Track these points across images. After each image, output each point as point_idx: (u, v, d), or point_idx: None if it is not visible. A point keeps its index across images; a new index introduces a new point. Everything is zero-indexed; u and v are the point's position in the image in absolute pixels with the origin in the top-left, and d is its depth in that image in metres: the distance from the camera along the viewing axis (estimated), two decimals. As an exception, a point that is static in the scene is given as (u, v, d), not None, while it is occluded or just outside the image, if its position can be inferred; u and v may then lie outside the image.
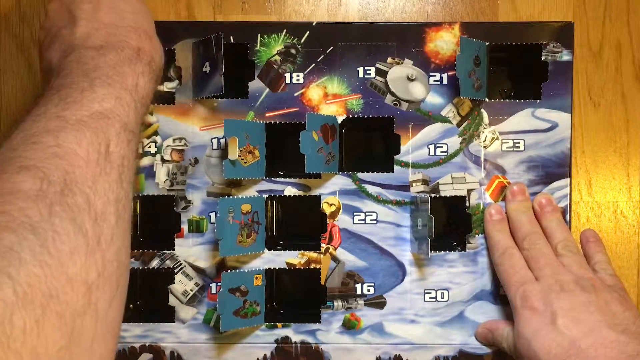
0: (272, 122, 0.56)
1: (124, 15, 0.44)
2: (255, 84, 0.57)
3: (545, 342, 0.48)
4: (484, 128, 0.57)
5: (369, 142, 0.59)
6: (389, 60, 0.57)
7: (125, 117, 0.39)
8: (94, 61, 0.40)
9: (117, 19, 0.44)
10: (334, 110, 0.57)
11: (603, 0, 0.60)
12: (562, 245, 0.53)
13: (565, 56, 0.56)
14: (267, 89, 0.57)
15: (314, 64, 0.57)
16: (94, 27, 0.43)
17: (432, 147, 0.57)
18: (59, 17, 0.45)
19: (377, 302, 0.57)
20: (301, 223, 0.58)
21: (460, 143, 0.57)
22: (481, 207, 0.57)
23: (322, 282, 0.57)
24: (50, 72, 0.43)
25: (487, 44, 0.56)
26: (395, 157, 0.57)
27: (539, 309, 0.49)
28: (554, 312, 0.48)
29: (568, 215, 0.57)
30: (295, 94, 0.57)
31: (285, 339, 0.57)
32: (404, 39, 0.57)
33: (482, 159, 0.57)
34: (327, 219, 0.57)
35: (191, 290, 0.57)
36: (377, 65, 0.57)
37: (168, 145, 0.57)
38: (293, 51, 0.57)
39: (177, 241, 0.57)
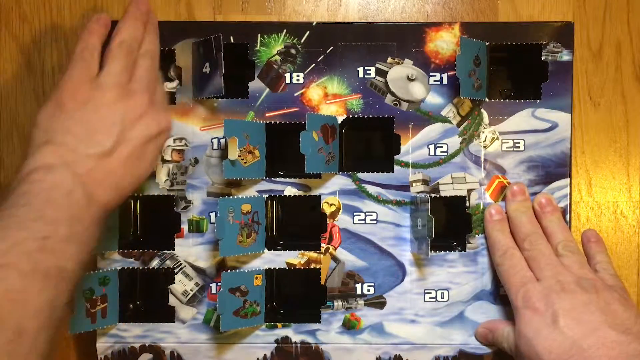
0: (272, 122, 0.56)
1: (127, 165, 0.46)
2: (255, 84, 0.57)
3: (546, 342, 0.48)
4: (484, 128, 0.57)
5: (369, 142, 0.59)
6: (389, 60, 0.57)
7: (76, 280, 0.41)
8: (80, 210, 0.42)
9: (122, 170, 0.45)
10: (334, 110, 0.57)
11: (603, 0, 0.60)
12: (563, 246, 0.53)
13: (565, 56, 0.56)
14: (267, 89, 0.57)
15: (314, 64, 0.57)
16: (102, 164, 0.44)
17: (432, 147, 0.57)
18: (97, 113, 0.46)
19: (377, 302, 0.57)
20: (301, 223, 0.58)
21: (460, 143, 0.57)
22: (481, 207, 0.57)
23: (322, 282, 0.57)
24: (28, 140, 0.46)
25: (487, 44, 0.56)
26: (395, 157, 0.57)
27: (540, 309, 0.49)
28: (555, 313, 0.49)
29: (568, 215, 0.57)
30: (295, 94, 0.57)
31: (285, 339, 0.57)
32: (404, 39, 0.57)
33: (482, 159, 0.57)
34: (327, 219, 0.57)
35: (191, 290, 0.57)
36: (377, 65, 0.57)
37: (168, 146, 0.57)
38: (293, 51, 0.57)
39: (177, 241, 0.57)
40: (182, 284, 0.57)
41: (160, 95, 0.51)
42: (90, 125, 0.45)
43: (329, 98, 0.57)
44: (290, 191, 0.57)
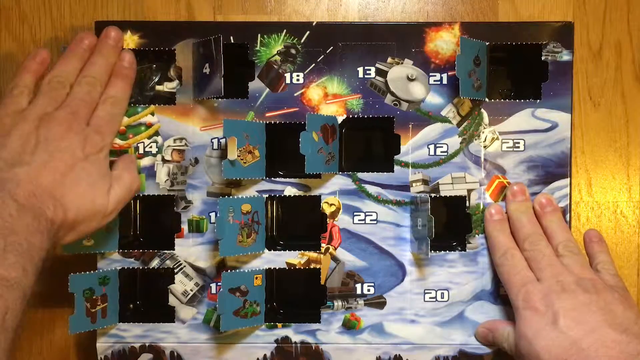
0: (272, 122, 0.56)
1: (58, 185, 0.46)
2: (255, 84, 0.57)
3: (546, 342, 0.48)
4: (484, 128, 0.57)
5: (369, 142, 0.59)
6: (389, 60, 0.57)
7: (27, 288, 0.41)
8: (12, 221, 0.42)
9: (51, 184, 0.45)
10: (334, 110, 0.57)
11: (603, 0, 0.60)
12: (563, 246, 0.53)
13: (565, 56, 0.56)
14: (267, 89, 0.57)
15: (314, 64, 0.57)
16: (29, 179, 0.45)
17: (432, 147, 0.57)
18: (16, 142, 0.46)
19: (377, 302, 0.57)
20: (301, 223, 0.58)
21: (460, 143, 0.57)
22: (481, 207, 0.57)
23: (322, 282, 0.57)
24: None
25: (487, 44, 0.56)
26: (395, 157, 0.57)
27: (540, 309, 0.49)
28: (555, 313, 0.49)
29: (568, 215, 0.57)
30: (295, 94, 0.57)
31: (285, 339, 0.57)
32: (404, 39, 0.57)
33: (482, 159, 0.57)
34: (327, 219, 0.57)
35: (191, 290, 0.57)
36: (377, 65, 0.57)
37: (169, 146, 0.57)
38: (293, 51, 0.57)
39: (177, 241, 0.57)
40: (182, 284, 0.57)
41: (107, 136, 0.50)
42: (9, 146, 0.46)
43: (329, 98, 0.57)
44: (290, 191, 0.57)
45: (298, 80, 0.57)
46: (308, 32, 0.56)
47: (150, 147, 0.57)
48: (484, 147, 0.57)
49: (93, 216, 0.48)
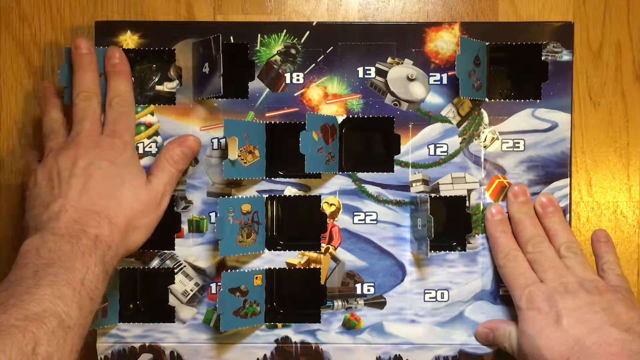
0: (272, 122, 0.56)
1: (96, 199, 0.49)
2: (255, 84, 0.57)
3: (549, 340, 0.48)
4: (484, 128, 0.57)
5: (369, 142, 0.59)
6: (389, 60, 0.57)
7: (64, 314, 0.42)
8: (49, 255, 0.44)
9: (89, 203, 0.48)
10: (334, 110, 0.57)
11: (603, 0, 0.60)
12: (566, 247, 0.53)
13: (565, 56, 0.56)
14: (267, 89, 0.57)
15: (314, 64, 0.57)
16: (66, 210, 0.47)
17: (432, 147, 0.57)
18: (46, 185, 0.50)
19: (377, 302, 0.57)
20: (301, 223, 0.58)
21: (460, 143, 0.57)
22: (481, 207, 0.57)
23: (322, 282, 0.57)
24: (24, 229, 0.50)
25: (487, 44, 0.56)
26: (395, 157, 0.57)
27: (543, 309, 0.50)
28: (558, 312, 0.49)
29: (568, 215, 0.57)
30: (295, 94, 0.57)
31: (285, 339, 0.57)
32: (404, 39, 0.57)
33: (482, 159, 0.57)
34: (327, 219, 0.57)
35: (191, 290, 0.57)
36: (377, 65, 0.57)
37: (168, 145, 0.57)
38: (293, 51, 0.57)
39: (177, 241, 0.57)
40: (182, 284, 0.57)
41: (127, 138, 0.53)
42: (40, 190, 0.50)
43: (329, 98, 0.57)
44: (290, 191, 0.57)
45: (298, 80, 0.57)
46: (308, 32, 0.56)
47: (150, 147, 0.57)
48: (484, 147, 0.57)
49: (146, 209, 0.51)
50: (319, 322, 0.57)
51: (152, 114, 0.57)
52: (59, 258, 0.44)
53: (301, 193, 0.57)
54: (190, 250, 0.57)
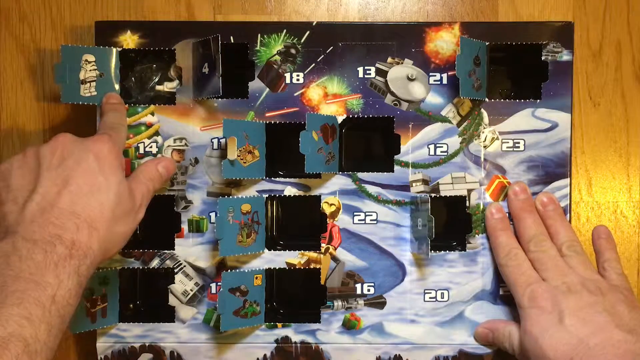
0: (272, 122, 0.56)
1: (77, 197, 0.44)
2: (255, 84, 0.57)
3: (552, 340, 0.48)
4: (484, 128, 0.57)
5: (369, 142, 0.59)
6: (389, 60, 0.57)
7: (31, 338, 0.37)
8: (19, 265, 0.39)
9: (68, 202, 0.43)
10: (334, 110, 0.57)
11: (603, 0, 0.60)
12: (567, 246, 0.53)
13: (565, 56, 0.56)
14: (267, 89, 0.57)
15: (314, 64, 0.57)
16: (42, 209, 0.42)
17: (432, 147, 0.57)
18: (21, 181, 0.45)
19: (377, 302, 0.57)
20: (301, 223, 0.58)
21: (460, 143, 0.57)
22: (481, 207, 0.57)
23: (322, 282, 0.57)
24: None
25: (487, 44, 0.56)
26: (395, 157, 0.57)
27: (546, 308, 0.50)
28: (561, 312, 0.49)
29: (568, 215, 0.57)
30: (295, 94, 0.57)
31: (285, 339, 0.57)
32: (404, 39, 0.57)
33: (482, 159, 0.57)
34: (327, 219, 0.57)
35: (191, 290, 0.57)
36: (377, 65, 0.57)
37: (169, 146, 0.57)
38: (293, 51, 0.57)
39: (177, 241, 0.57)
40: (182, 284, 0.57)
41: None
42: (13, 186, 0.46)
43: (329, 98, 0.57)
44: (290, 191, 0.57)
45: (298, 80, 0.57)
46: (308, 32, 0.56)
47: (150, 147, 0.57)
48: (484, 147, 0.57)
49: (127, 218, 0.47)
50: (319, 322, 0.57)
51: (152, 114, 0.57)
52: (28, 268, 0.39)
53: (301, 193, 0.57)
54: (190, 250, 0.57)
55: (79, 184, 0.44)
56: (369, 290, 0.57)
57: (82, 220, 0.43)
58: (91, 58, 0.55)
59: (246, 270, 0.56)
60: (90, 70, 0.55)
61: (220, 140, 0.57)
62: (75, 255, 0.42)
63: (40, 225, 0.42)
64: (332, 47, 0.56)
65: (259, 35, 0.57)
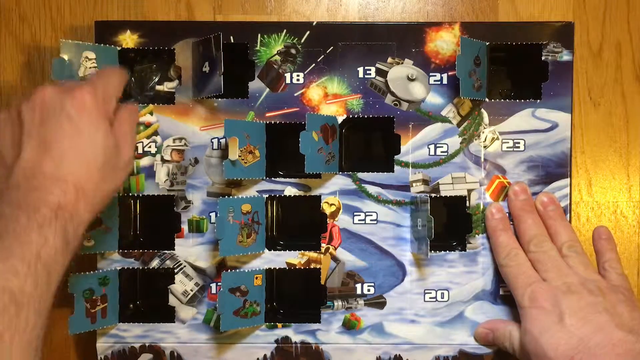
0: (272, 122, 0.56)
1: (61, 161, 0.42)
2: (255, 84, 0.57)
3: (553, 340, 0.48)
4: (484, 128, 0.57)
5: (369, 142, 0.59)
6: (389, 60, 0.57)
7: (17, 290, 0.38)
8: (4, 226, 0.40)
9: (52, 166, 0.42)
10: (334, 110, 0.57)
11: (603, 0, 0.60)
12: (568, 246, 0.53)
13: (565, 56, 0.56)
14: (267, 89, 0.57)
15: (314, 64, 0.57)
16: (26, 176, 0.42)
17: (432, 147, 0.57)
18: (7, 142, 0.44)
19: (377, 302, 0.57)
20: (301, 223, 0.58)
21: (461, 143, 0.57)
22: (481, 207, 0.57)
23: (322, 282, 0.57)
24: None
25: (487, 44, 0.56)
26: (396, 157, 0.57)
27: (547, 308, 0.50)
28: (562, 312, 0.49)
29: (568, 215, 0.57)
30: (295, 94, 0.57)
31: (285, 339, 0.57)
32: (404, 39, 0.56)
33: (482, 159, 0.57)
34: (327, 219, 0.57)
35: (191, 290, 0.57)
36: (377, 65, 0.57)
37: (168, 145, 0.57)
38: (293, 51, 0.57)
39: (177, 241, 0.57)
40: (182, 284, 0.57)
41: None
42: None
43: (329, 98, 0.57)
44: (290, 191, 0.57)
45: (298, 80, 0.57)
46: (308, 32, 0.56)
47: (149, 147, 0.57)
48: (484, 147, 0.57)
49: (115, 174, 0.45)
50: (319, 322, 0.57)
51: (151, 113, 0.57)
52: (13, 230, 0.40)
53: (301, 193, 0.57)
54: (190, 250, 0.57)
55: (62, 148, 0.43)
56: (369, 290, 0.57)
57: (68, 184, 0.42)
58: (92, 55, 0.55)
59: (246, 270, 0.56)
60: (90, 68, 0.55)
61: (220, 140, 0.57)
62: (60, 216, 0.41)
63: (24, 192, 0.41)
64: (332, 47, 0.56)
65: (259, 35, 0.56)
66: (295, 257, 0.57)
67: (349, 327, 0.57)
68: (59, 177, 0.42)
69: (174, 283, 0.57)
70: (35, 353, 0.39)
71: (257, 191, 0.57)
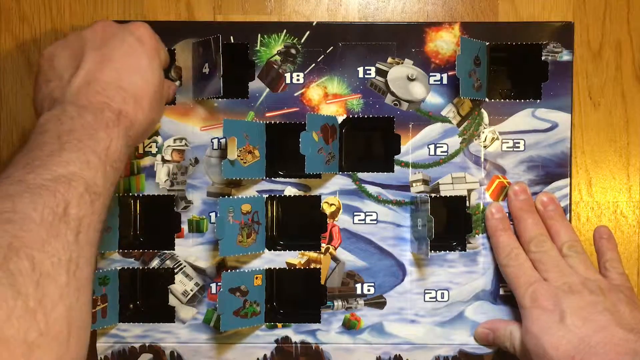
0: (272, 122, 0.56)
1: (122, 74, 0.45)
2: (255, 84, 0.57)
3: (554, 339, 0.48)
4: (484, 128, 0.57)
5: (369, 142, 0.59)
6: (389, 60, 0.57)
7: (91, 180, 0.39)
8: (71, 122, 0.41)
9: (113, 77, 0.44)
10: (334, 110, 0.57)
11: (603, 0, 0.60)
12: (568, 246, 0.53)
13: (565, 56, 0.56)
14: (267, 89, 0.57)
15: (314, 64, 0.57)
16: (87, 82, 0.44)
17: (432, 147, 0.57)
18: (66, 61, 0.46)
19: (377, 302, 0.57)
20: (301, 223, 0.58)
21: (461, 143, 0.57)
22: (481, 207, 0.57)
23: (322, 282, 0.57)
24: (37, 111, 0.46)
25: (487, 44, 0.56)
26: (395, 157, 0.57)
27: (548, 307, 0.50)
28: (563, 311, 0.49)
29: (568, 215, 0.57)
30: (295, 94, 0.57)
31: (285, 339, 0.57)
32: (404, 39, 0.57)
33: (482, 159, 0.57)
34: (327, 219, 0.57)
35: (191, 290, 0.57)
36: (377, 65, 0.57)
37: (169, 146, 0.57)
38: (293, 51, 0.57)
39: (177, 241, 0.57)
40: (182, 284, 0.57)
41: None
42: (58, 66, 0.47)
43: (329, 98, 0.57)
44: (290, 191, 0.57)
45: (298, 80, 0.57)
46: (308, 32, 0.56)
47: (150, 147, 0.57)
48: (484, 147, 0.57)
49: (161, 97, 0.48)
50: (319, 322, 0.57)
51: (152, 114, 0.57)
52: (82, 126, 0.41)
53: (301, 193, 0.57)
54: (190, 250, 0.57)
55: (123, 62, 0.45)
56: (369, 290, 0.57)
57: (129, 95, 0.44)
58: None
59: (246, 270, 0.56)
60: None
61: (220, 140, 0.57)
62: (122, 121, 0.43)
63: (87, 95, 0.43)
64: (332, 47, 0.56)
65: (259, 35, 0.57)
66: (295, 257, 0.57)
67: (349, 327, 0.57)
68: (120, 86, 0.44)
69: (174, 283, 0.57)
70: (96, 250, 0.40)
71: (257, 191, 0.57)
